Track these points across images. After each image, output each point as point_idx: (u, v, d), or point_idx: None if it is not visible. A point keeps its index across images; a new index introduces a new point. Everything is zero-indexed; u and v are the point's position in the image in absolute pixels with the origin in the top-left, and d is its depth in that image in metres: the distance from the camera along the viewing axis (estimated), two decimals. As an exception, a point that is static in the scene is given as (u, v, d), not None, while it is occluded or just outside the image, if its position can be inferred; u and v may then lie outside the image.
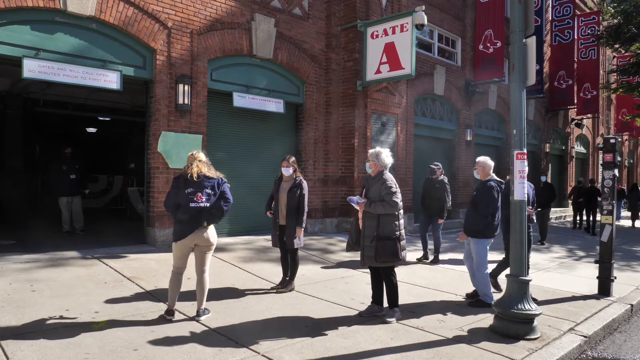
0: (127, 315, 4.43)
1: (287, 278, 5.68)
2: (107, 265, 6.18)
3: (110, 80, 7.05)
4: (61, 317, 4.28)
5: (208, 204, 4.32)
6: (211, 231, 4.42)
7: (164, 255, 6.96)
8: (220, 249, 7.71)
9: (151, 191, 7.61)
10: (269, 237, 5.84)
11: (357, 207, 4.69)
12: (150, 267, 6.26)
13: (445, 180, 7.93)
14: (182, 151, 7.73)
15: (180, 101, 7.63)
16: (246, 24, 8.69)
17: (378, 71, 9.68)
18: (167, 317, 4.38)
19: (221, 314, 4.62)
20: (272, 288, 5.68)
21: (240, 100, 8.63)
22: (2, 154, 12.17)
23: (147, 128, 7.72)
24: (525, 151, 4.52)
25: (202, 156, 4.48)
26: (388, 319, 4.58)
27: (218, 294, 5.29)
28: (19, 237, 8.04)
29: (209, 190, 4.33)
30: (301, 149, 9.92)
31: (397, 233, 4.54)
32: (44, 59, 6.48)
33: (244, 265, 6.79)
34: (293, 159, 5.69)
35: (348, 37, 10.25)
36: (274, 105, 9.19)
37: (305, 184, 5.63)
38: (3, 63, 6.76)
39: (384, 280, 4.72)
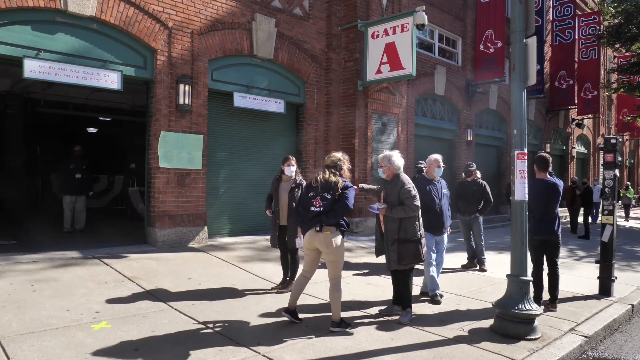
0: (128, 315, 4.43)
1: (288, 278, 5.68)
2: (107, 265, 6.19)
3: (111, 80, 7.05)
4: (62, 317, 4.28)
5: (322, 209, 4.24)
6: (328, 237, 4.19)
7: (165, 255, 6.97)
8: (221, 248, 7.72)
9: (152, 191, 7.61)
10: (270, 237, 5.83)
11: (377, 213, 4.65)
12: (151, 267, 6.26)
13: None
14: (183, 151, 7.75)
15: (181, 101, 7.63)
16: (247, 24, 8.70)
17: (379, 71, 9.68)
18: (282, 313, 4.48)
19: (222, 314, 4.62)
20: (272, 288, 5.68)
21: (241, 100, 8.64)
22: (2, 154, 12.18)
23: (148, 128, 7.72)
24: (526, 151, 4.52)
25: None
26: (404, 321, 4.59)
27: (219, 294, 5.30)
28: (20, 237, 8.05)
29: (327, 195, 4.25)
30: (302, 149, 9.92)
31: (418, 234, 4.58)
32: (45, 59, 6.48)
33: (245, 265, 6.79)
34: (294, 159, 5.70)
35: (349, 37, 10.25)
36: (275, 106, 9.19)
37: (305, 184, 5.62)
38: (4, 63, 6.77)
39: (401, 281, 4.72)
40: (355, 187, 4.55)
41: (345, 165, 4.43)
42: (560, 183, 5.38)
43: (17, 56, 6.31)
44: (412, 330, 4.40)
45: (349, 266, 7.21)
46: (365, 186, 5.04)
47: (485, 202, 7.46)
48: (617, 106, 25.82)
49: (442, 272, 6.82)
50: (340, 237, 4.27)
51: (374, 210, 4.59)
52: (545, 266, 5.46)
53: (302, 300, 5.19)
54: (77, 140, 10.68)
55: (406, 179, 4.63)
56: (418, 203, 4.53)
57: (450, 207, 5.86)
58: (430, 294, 5.45)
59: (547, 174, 5.37)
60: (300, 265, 5.79)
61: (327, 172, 4.33)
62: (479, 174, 7.74)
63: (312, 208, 4.27)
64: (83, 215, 9.06)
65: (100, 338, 3.84)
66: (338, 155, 4.47)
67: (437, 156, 5.62)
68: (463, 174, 7.97)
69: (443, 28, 13.24)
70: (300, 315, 4.51)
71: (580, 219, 13.48)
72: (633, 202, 22.32)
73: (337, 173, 4.34)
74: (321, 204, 4.23)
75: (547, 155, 5.48)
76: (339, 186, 4.24)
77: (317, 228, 4.21)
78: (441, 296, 5.47)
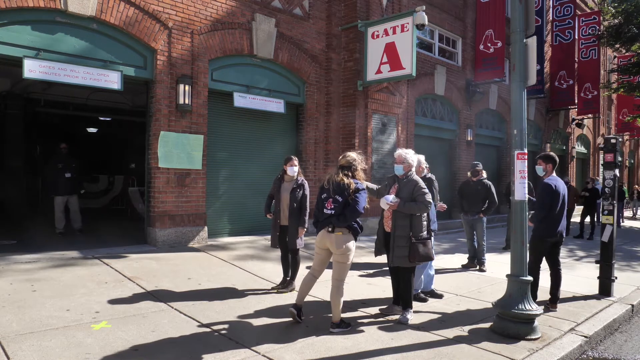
0: (128, 315, 4.43)
1: (288, 278, 5.68)
2: (107, 265, 6.19)
3: (111, 80, 7.05)
4: (62, 317, 4.28)
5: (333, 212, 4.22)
6: (340, 238, 4.18)
7: (165, 255, 6.97)
8: (221, 248, 7.72)
9: (152, 191, 7.61)
10: (270, 237, 5.83)
11: (386, 207, 4.63)
12: (151, 267, 6.26)
13: (433, 177, 7.88)
14: (183, 151, 7.74)
15: (181, 101, 7.63)
16: (247, 24, 8.70)
17: (379, 71, 9.67)
18: (290, 309, 4.44)
19: (222, 314, 4.62)
20: (272, 288, 5.68)
21: (241, 100, 8.63)
22: (2, 154, 12.18)
23: (148, 128, 7.72)
24: (526, 151, 4.52)
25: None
26: (404, 321, 4.59)
27: (219, 294, 5.30)
28: (20, 237, 8.05)
29: (338, 197, 4.21)
30: (302, 149, 9.92)
31: (426, 233, 4.62)
32: (45, 59, 6.48)
33: (245, 265, 6.79)
34: (297, 159, 5.70)
35: (349, 37, 10.25)
36: (275, 105, 9.19)
37: (307, 184, 5.65)
38: (4, 63, 6.76)
39: (403, 280, 4.72)
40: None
41: (360, 166, 4.38)
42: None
43: (17, 56, 6.31)
44: (412, 330, 4.40)
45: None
46: (369, 185, 5.04)
47: (490, 203, 7.42)
48: (617, 106, 25.82)
49: (442, 272, 6.83)
50: (352, 240, 4.25)
51: (388, 201, 4.56)
52: (546, 266, 5.45)
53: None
54: (77, 140, 10.68)
55: (418, 177, 4.72)
56: (431, 201, 4.59)
57: None
58: (414, 292, 5.46)
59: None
60: (301, 265, 5.81)
61: (340, 174, 4.28)
62: (484, 174, 7.71)
63: (324, 210, 4.26)
64: (78, 214, 8.89)
65: (100, 338, 3.84)
66: (353, 155, 4.41)
67: (422, 157, 5.68)
68: (469, 173, 7.90)
69: (443, 28, 13.23)
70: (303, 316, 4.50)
71: (578, 219, 13.50)
72: (631, 204, 22.36)
73: (350, 174, 4.29)
74: (332, 207, 4.20)
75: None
76: (351, 189, 4.22)
77: (329, 229, 4.21)
78: (442, 296, 5.45)
